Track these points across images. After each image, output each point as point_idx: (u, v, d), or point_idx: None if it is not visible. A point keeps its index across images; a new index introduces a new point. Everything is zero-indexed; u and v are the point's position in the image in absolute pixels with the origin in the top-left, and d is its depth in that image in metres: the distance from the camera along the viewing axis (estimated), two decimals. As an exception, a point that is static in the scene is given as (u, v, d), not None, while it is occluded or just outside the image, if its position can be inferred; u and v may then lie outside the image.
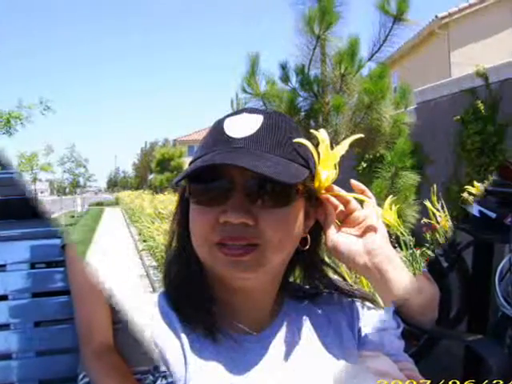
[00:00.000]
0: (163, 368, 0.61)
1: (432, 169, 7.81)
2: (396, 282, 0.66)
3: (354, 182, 0.75)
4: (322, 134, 0.71)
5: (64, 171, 19.92)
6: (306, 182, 0.66)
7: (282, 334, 0.71)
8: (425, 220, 2.52)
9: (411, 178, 3.14)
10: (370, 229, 0.70)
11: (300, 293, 0.79)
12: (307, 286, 0.80)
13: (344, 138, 0.71)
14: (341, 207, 0.72)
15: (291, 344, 0.70)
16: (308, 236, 0.71)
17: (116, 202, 40.52)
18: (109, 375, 0.67)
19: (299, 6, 3.23)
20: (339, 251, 0.70)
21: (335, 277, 0.81)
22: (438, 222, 2.26)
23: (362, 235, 0.70)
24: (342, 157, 0.71)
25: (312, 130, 0.72)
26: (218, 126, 0.68)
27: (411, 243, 2.09)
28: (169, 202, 9.91)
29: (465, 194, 2.46)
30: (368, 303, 0.78)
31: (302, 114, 3.43)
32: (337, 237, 0.70)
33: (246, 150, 0.63)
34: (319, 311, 0.77)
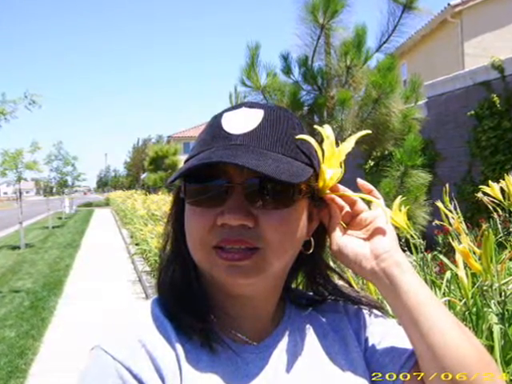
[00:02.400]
0: None
1: (444, 167, 7.81)
2: (405, 289, 0.66)
3: (360, 181, 0.75)
4: (327, 130, 0.71)
5: (51, 170, 19.88)
6: (310, 181, 0.66)
7: (283, 344, 0.71)
8: (436, 222, 2.51)
9: (422, 177, 3.13)
10: (377, 231, 0.70)
11: (303, 300, 0.79)
12: (311, 293, 0.80)
13: (350, 135, 0.71)
14: (347, 208, 0.72)
15: (293, 354, 0.70)
16: (311, 239, 0.71)
17: (106, 203, 40.59)
18: None
19: (302, -8, 3.22)
20: (345, 255, 0.70)
21: (341, 282, 0.81)
22: (450, 224, 2.25)
23: (369, 238, 0.70)
24: (348, 154, 0.71)
25: (316, 126, 0.72)
26: (216, 122, 0.68)
27: (422, 246, 2.08)
28: (163, 202, 9.91)
29: (479, 195, 2.46)
30: (375, 311, 0.79)
31: (306, 108, 3.42)
32: (342, 240, 0.70)
33: (245, 147, 0.62)
34: (323, 319, 0.77)
